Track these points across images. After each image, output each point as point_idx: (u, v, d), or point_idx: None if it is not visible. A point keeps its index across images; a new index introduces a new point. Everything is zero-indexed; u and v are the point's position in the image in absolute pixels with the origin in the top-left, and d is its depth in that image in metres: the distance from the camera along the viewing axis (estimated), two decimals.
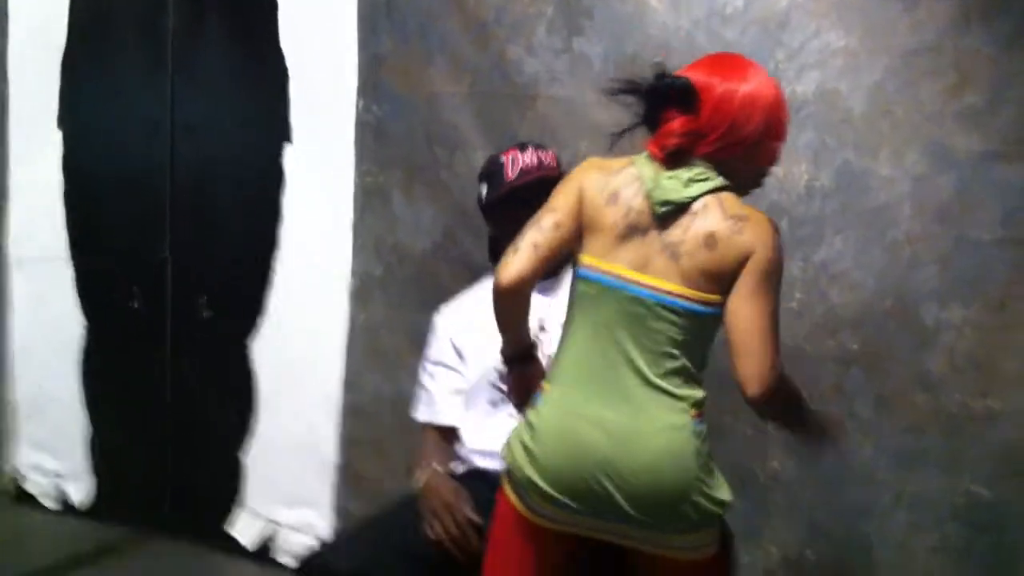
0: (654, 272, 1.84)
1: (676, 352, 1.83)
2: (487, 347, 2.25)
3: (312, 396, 3.29)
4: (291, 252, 3.36)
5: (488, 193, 2.39)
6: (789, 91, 2.53)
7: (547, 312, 2.27)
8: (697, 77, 1.83)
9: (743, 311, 1.80)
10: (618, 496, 1.81)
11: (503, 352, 2.07)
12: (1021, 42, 2.39)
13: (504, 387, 2.15)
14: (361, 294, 3.18)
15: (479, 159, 2.76)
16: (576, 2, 2.81)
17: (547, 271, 1.94)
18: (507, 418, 2.23)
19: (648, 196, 1.84)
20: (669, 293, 1.82)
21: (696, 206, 1.83)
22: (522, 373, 2.06)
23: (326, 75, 3.21)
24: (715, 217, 1.82)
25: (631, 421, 1.83)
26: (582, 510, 1.84)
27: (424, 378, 2.50)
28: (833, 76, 2.54)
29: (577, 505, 1.84)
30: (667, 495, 1.80)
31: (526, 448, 1.90)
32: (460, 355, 2.44)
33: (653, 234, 1.84)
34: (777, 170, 2.52)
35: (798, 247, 2.57)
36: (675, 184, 1.83)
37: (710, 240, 1.81)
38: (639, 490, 1.80)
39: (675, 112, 1.83)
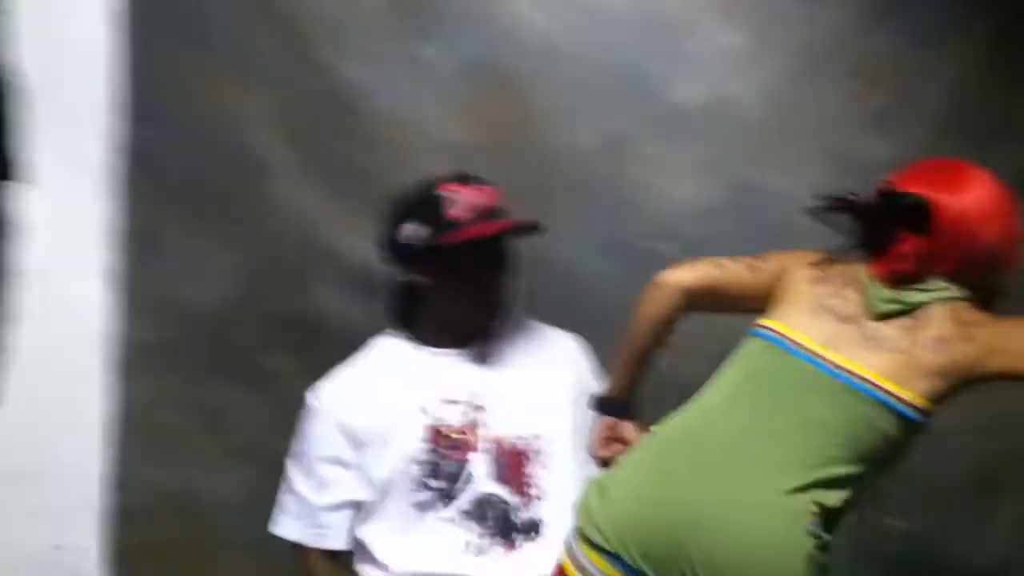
0: (844, 354, 1.61)
1: (835, 444, 1.56)
2: (400, 430, 1.79)
3: (63, 498, 2.54)
4: (31, 318, 2.66)
5: (423, 233, 1.84)
6: (674, 100, 2.31)
7: (483, 386, 1.83)
8: (922, 191, 1.63)
9: None
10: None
11: (604, 388, 1.83)
12: (931, 39, 2.27)
13: (435, 485, 1.74)
14: (130, 365, 2.49)
15: (291, 191, 2.35)
16: (417, 3, 2.38)
17: (667, 314, 1.76)
18: (439, 524, 1.76)
19: (867, 293, 1.65)
20: (865, 380, 1.58)
21: (922, 312, 1.62)
22: (611, 425, 1.78)
23: (74, 90, 2.48)
24: (944, 321, 1.60)
25: (746, 499, 1.53)
26: None
27: (297, 481, 1.87)
28: (725, 81, 2.32)
29: (651, 572, 1.51)
30: None
31: (601, 490, 1.62)
32: (357, 444, 1.82)
33: (858, 324, 1.64)
34: (665, 187, 2.30)
35: None
36: (902, 292, 1.65)
37: (942, 345, 1.58)
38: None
39: (904, 232, 1.63)
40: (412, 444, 1.77)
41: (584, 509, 1.63)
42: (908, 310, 1.62)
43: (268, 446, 2.26)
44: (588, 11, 2.34)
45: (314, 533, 1.83)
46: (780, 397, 1.61)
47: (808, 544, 1.51)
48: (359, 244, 2.34)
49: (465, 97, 2.34)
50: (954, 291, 1.63)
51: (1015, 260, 1.69)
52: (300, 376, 2.21)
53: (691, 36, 2.32)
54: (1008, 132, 2.26)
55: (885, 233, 1.66)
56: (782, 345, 1.65)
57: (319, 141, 2.40)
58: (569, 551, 1.64)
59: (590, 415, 1.81)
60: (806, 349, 1.63)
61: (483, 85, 2.32)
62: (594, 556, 1.57)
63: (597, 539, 1.58)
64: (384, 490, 1.78)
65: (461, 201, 1.82)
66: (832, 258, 1.70)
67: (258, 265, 2.45)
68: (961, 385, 1.59)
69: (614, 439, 1.79)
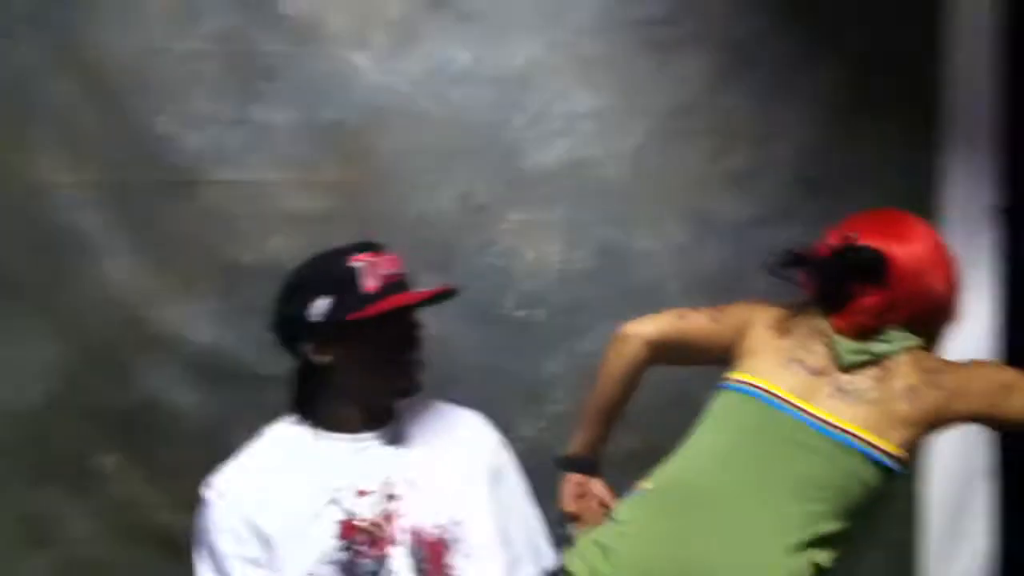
0: (823, 407, 1.62)
1: (821, 496, 1.56)
2: (311, 527, 1.60)
3: None
4: None
5: (337, 309, 1.66)
6: (532, 162, 2.20)
7: (396, 473, 1.66)
8: (876, 244, 1.66)
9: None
10: None
11: (572, 446, 1.81)
12: (785, 95, 2.25)
13: None
14: None
15: (118, 271, 2.12)
16: (249, 59, 2.19)
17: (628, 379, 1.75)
18: None
19: (833, 345, 1.65)
20: (845, 431, 1.59)
21: (888, 361, 1.63)
22: (580, 482, 1.80)
23: None
24: (916, 371, 1.62)
25: (746, 554, 1.52)
26: None
27: (200, 567, 1.66)
28: (584, 142, 2.22)
29: None
30: None
31: (602, 548, 1.60)
32: (264, 542, 1.62)
33: (829, 376, 1.64)
34: (528, 253, 2.20)
35: (561, 341, 2.17)
36: (867, 343, 1.65)
37: (912, 393, 1.60)
38: None
39: (863, 286, 1.65)
40: (325, 542, 1.60)
41: (590, 570, 1.59)
42: (875, 360, 1.63)
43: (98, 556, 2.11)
44: (435, 70, 2.21)
45: None
46: (769, 452, 1.60)
47: None
48: (197, 325, 2.15)
49: (309, 162, 2.18)
50: (912, 339, 1.65)
51: (958, 306, 1.74)
52: (131, 477, 2.07)
53: (546, 97, 2.21)
54: (854, 184, 2.23)
55: (845, 287, 1.66)
56: (762, 398, 1.63)
57: (150, 215, 2.17)
58: None
59: (511, 494, 1.74)
60: (787, 402, 1.62)
61: (328, 148, 2.18)
62: None
63: None
64: None
65: (373, 272, 1.67)
66: (793, 311, 1.70)
67: (83, 355, 2.17)
68: (929, 431, 1.62)
69: (584, 495, 1.79)
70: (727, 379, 1.71)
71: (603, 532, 1.65)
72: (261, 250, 2.16)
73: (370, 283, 1.69)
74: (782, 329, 1.70)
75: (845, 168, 2.26)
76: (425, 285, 2.10)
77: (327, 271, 1.69)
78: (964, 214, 2.25)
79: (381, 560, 1.61)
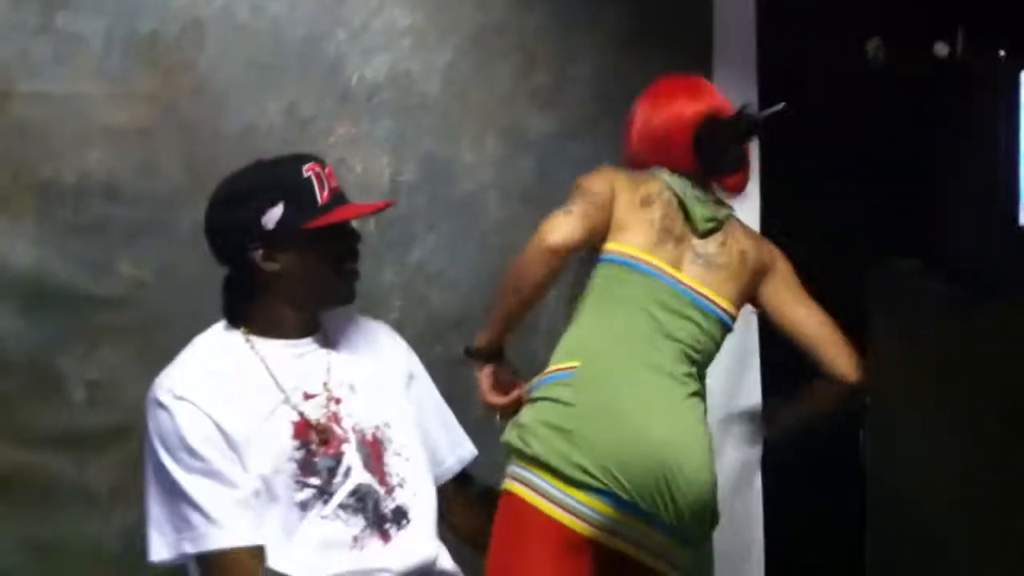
0: (690, 275, 1.81)
1: (697, 359, 1.79)
2: (269, 428, 1.62)
3: None
4: None
5: (293, 217, 1.65)
6: (357, 76, 2.23)
7: (335, 377, 1.71)
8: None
9: (805, 311, 1.88)
10: (680, 501, 1.66)
11: (481, 339, 1.82)
12: (582, 20, 2.39)
13: (313, 482, 1.64)
14: None
15: None
16: None
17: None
18: (322, 523, 1.62)
19: (686, 208, 1.82)
20: (705, 297, 1.80)
21: (727, 226, 1.87)
22: (493, 371, 1.82)
23: None
24: (742, 235, 1.89)
25: (681, 421, 1.72)
26: (639, 511, 1.64)
27: (185, 483, 1.58)
28: (404, 57, 2.27)
29: (642, 503, 1.64)
30: (709, 507, 1.73)
31: (561, 430, 1.67)
32: (230, 444, 1.60)
33: (688, 243, 1.82)
34: (357, 165, 2.24)
35: (390, 250, 2.24)
36: (709, 204, 1.85)
37: (744, 257, 1.85)
38: (691, 498, 1.67)
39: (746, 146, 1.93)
40: (282, 442, 1.63)
41: (553, 452, 1.65)
42: (719, 225, 1.84)
43: None
44: None
45: (228, 531, 1.57)
46: (658, 321, 1.74)
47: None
48: (14, 247, 2.00)
49: (125, 74, 2.07)
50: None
51: None
52: None
53: (365, 12, 2.21)
54: None
55: (742, 147, 1.90)
56: (645, 270, 1.76)
57: None
58: (539, 490, 1.65)
59: (426, 393, 1.85)
60: (664, 272, 1.77)
61: (144, 60, 2.08)
62: (580, 494, 1.63)
63: (582, 479, 1.63)
64: (261, 494, 1.60)
65: (323, 183, 1.69)
66: (644, 178, 1.82)
67: None
68: (749, 293, 1.87)
69: (498, 384, 1.84)
70: (607, 251, 1.80)
71: (552, 414, 1.70)
72: (79, 166, 2.04)
73: (323, 193, 1.72)
74: (644, 199, 1.80)
75: (635, 88, 2.48)
76: None
77: (282, 178, 1.69)
78: None
79: (338, 457, 1.67)
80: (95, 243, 2.06)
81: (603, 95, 2.41)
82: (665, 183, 1.83)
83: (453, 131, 2.32)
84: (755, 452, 2.57)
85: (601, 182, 1.82)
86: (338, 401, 1.72)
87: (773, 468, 2.63)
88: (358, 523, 1.66)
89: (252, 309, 1.73)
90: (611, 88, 2.41)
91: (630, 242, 1.79)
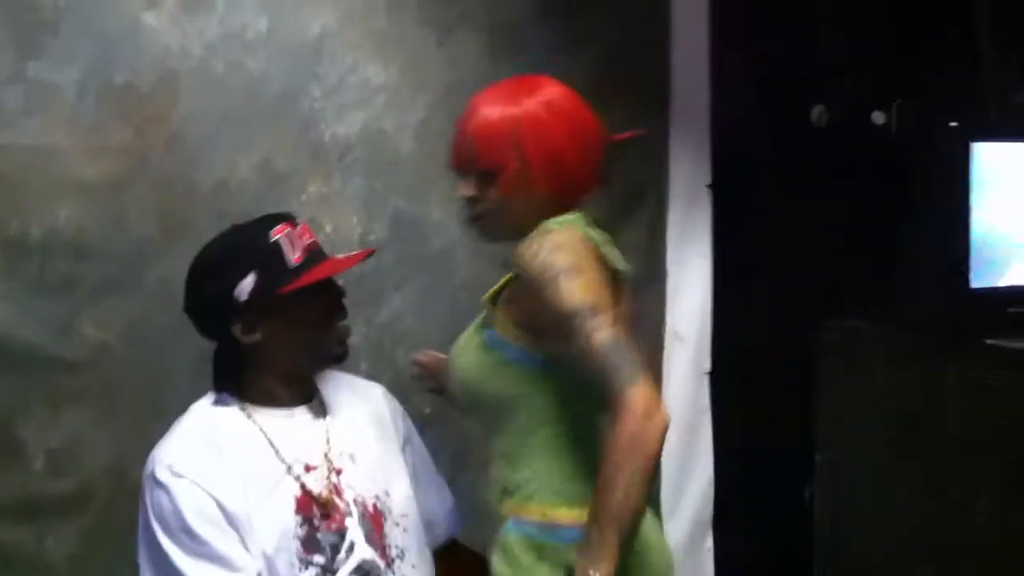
0: None
1: None
2: (271, 504, 1.56)
3: None
4: None
5: (266, 285, 1.58)
6: (330, 133, 2.20)
7: (335, 447, 1.65)
8: None
9: None
10: None
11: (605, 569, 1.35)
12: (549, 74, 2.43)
13: (318, 560, 1.57)
14: None
15: None
16: (29, 13, 1.92)
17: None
18: None
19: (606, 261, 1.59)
20: None
21: None
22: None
23: None
24: None
25: None
26: None
27: (186, 568, 1.50)
28: (377, 115, 2.25)
29: None
30: None
31: None
32: (234, 524, 1.52)
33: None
34: (327, 224, 2.21)
35: (358, 310, 2.10)
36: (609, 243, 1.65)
37: None
38: None
39: None
40: (285, 518, 1.56)
41: None
42: None
43: None
44: (229, 34, 2.10)
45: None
46: None
47: None
48: None
49: (98, 126, 1.98)
50: None
51: None
52: None
53: (341, 69, 2.18)
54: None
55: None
56: None
57: None
58: None
59: (420, 459, 1.80)
60: None
61: (118, 112, 1.99)
62: None
63: None
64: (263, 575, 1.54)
65: (295, 243, 1.62)
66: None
67: None
68: None
69: None
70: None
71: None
72: (48, 222, 1.94)
73: (295, 254, 1.65)
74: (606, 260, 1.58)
75: None
76: None
77: (249, 246, 1.63)
78: (688, 190, 2.62)
79: (341, 532, 1.61)
80: (60, 302, 1.96)
81: None
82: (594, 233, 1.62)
83: (424, 189, 2.30)
84: (707, 512, 2.67)
85: (593, 268, 1.51)
86: (339, 472, 1.66)
87: (724, 528, 2.70)
88: None
89: (244, 380, 1.68)
90: None
91: None
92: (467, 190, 1.61)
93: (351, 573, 1.62)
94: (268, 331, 1.62)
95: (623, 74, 2.54)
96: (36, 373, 1.96)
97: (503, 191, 1.58)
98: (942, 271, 2.33)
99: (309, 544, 1.58)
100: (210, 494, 1.55)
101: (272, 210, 2.07)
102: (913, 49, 2.72)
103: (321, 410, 1.73)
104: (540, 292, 1.46)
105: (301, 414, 1.69)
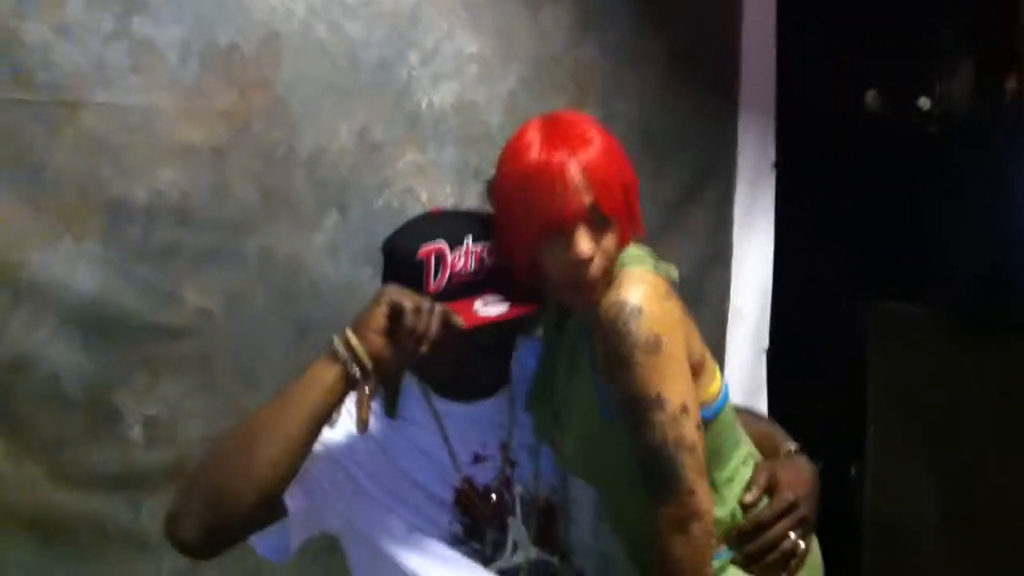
0: None
1: None
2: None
3: None
4: None
5: None
6: (426, 101, 2.15)
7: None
8: None
9: None
10: None
11: None
12: (629, 53, 2.40)
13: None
14: None
15: None
16: None
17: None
18: None
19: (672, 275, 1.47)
20: None
21: None
22: None
23: None
24: None
25: None
26: None
27: None
28: (470, 86, 2.20)
29: None
30: None
31: None
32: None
33: None
34: (422, 194, 2.17)
35: None
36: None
37: None
38: None
39: None
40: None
41: None
42: None
43: None
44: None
45: None
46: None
47: None
48: (77, 271, 1.83)
49: (201, 87, 1.91)
50: None
51: None
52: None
53: (436, 36, 2.13)
54: (680, 143, 2.51)
55: None
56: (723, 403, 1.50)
57: (19, 142, 1.76)
58: None
59: None
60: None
61: (223, 74, 1.92)
62: None
63: None
64: None
65: (439, 268, 1.45)
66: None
67: None
68: None
69: None
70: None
71: None
72: (151, 185, 1.87)
73: (433, 283, 1.46)
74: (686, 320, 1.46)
75: (669, 129, 2.49)
76: (324, 226, 2.01)
77: (400, 260, 1.49)
78: (753, 171, 2.65)
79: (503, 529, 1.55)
80: (161, 269, 1.90)
81: (645, 133, 2.44)
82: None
83: None
84: None
85: (679, 337, 1.38)
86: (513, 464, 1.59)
87: None
88: None
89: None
90: (652, 125, 2.45)
91: (708, 380, 1.47)
92: (586, 246, 1.36)
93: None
94: None
95: (697, 54, 2.54)
96: (134, 341, 1.90)
97: (621, 240, 1.42)
98: (999, 253, 2.42)
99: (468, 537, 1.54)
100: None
101: (369, 180, 2.10)
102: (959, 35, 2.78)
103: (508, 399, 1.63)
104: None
105: (480, 404, 1.59)
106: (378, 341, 1.33)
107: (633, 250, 1.44)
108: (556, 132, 1.40)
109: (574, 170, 1.36)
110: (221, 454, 1.36)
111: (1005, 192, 2.39)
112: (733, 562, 1.48)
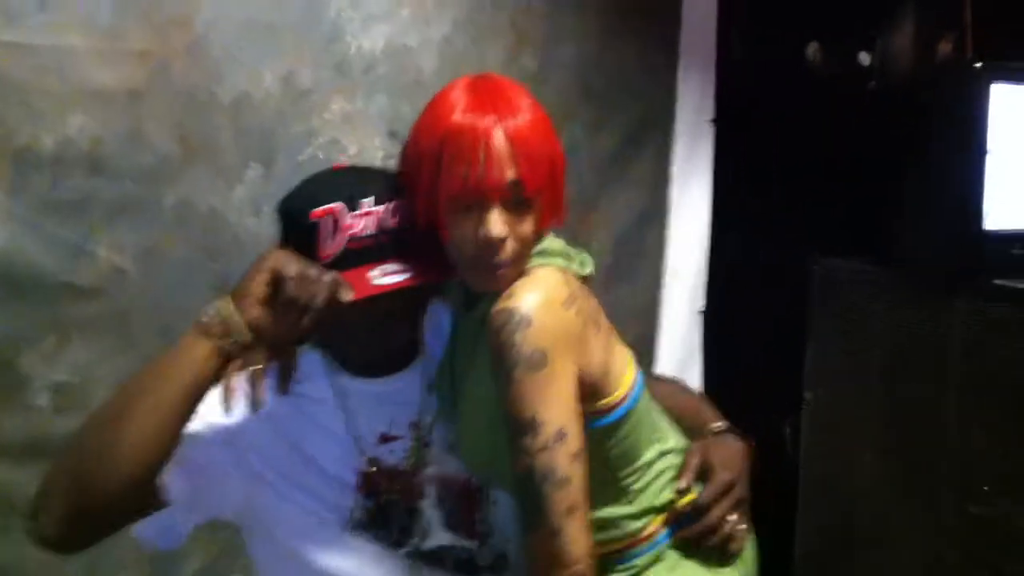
0: None
1: None
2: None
3: None
4: None
5: None
6: (355, 46, 2.04)
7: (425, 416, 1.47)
8: None
9: None
10: None
11: None
12: (567, 4, 2.31)
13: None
14: None
15: None
16: None
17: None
18: None
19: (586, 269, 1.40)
20: None
21: None
22: None
23: None
24: None
25: None
26: None
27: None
28: (401, 30, 2.08)
29: None
30: None
31: None
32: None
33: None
34: (350, 146, 2.07)
35: None
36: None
37: None
38: None
39: None
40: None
41: None
42: None
43: None
44: None
45: None
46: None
47: None
48: None
49: (114, 27, 1.77)
50: None
51: None
52: None
53: None
54: (620, 93, 2.45)
55: None
56: (636, 398, 1.40)
57: None
58: None
59: None
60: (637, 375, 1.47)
61: (139, 12, 1.79)
62: None
63: None
64: None
65: (337, 234, 1.32)
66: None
67: None
68: None
69: None
70: (599, 413, 1.36)
71: None
72: (59, 131, 1.73)
73: (327, 247, 1.34)
74: (591, 319, 1.36)
75: (610, 79, 2.43)
76: (248, 179, 1.89)
77: (292, 221, 1.37)
78: (692, 124, 2.60)
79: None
80: (71, 223, 1.76)
81: (583, 83, 2.37)
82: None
83: None
84: None
85: (569, 352, 1.27)
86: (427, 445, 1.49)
87: None
88: None
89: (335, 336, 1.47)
90: (593, 74, 2.38)
91: (614, 385, 1.37)
92: (500, 227, 1.26)
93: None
94: None
95: (635, 3, 2.49)
96: (43, 300, 1.78)
97: (539, 225, 1.31)
98: (952, 211, 2.39)
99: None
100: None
101: (295, 129, 1.98)
102: None
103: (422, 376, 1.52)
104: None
105: (394, 380, 1.48)
106: (257, 311, 1.23)
107: (548, 241, 1.35)
108: (486, 94, 1.30)
109: (499, 138, 1.25)
110: (84, 435, 1.23)
111: (945, 152, 2.38)
112: (673, 547, 1.42)
